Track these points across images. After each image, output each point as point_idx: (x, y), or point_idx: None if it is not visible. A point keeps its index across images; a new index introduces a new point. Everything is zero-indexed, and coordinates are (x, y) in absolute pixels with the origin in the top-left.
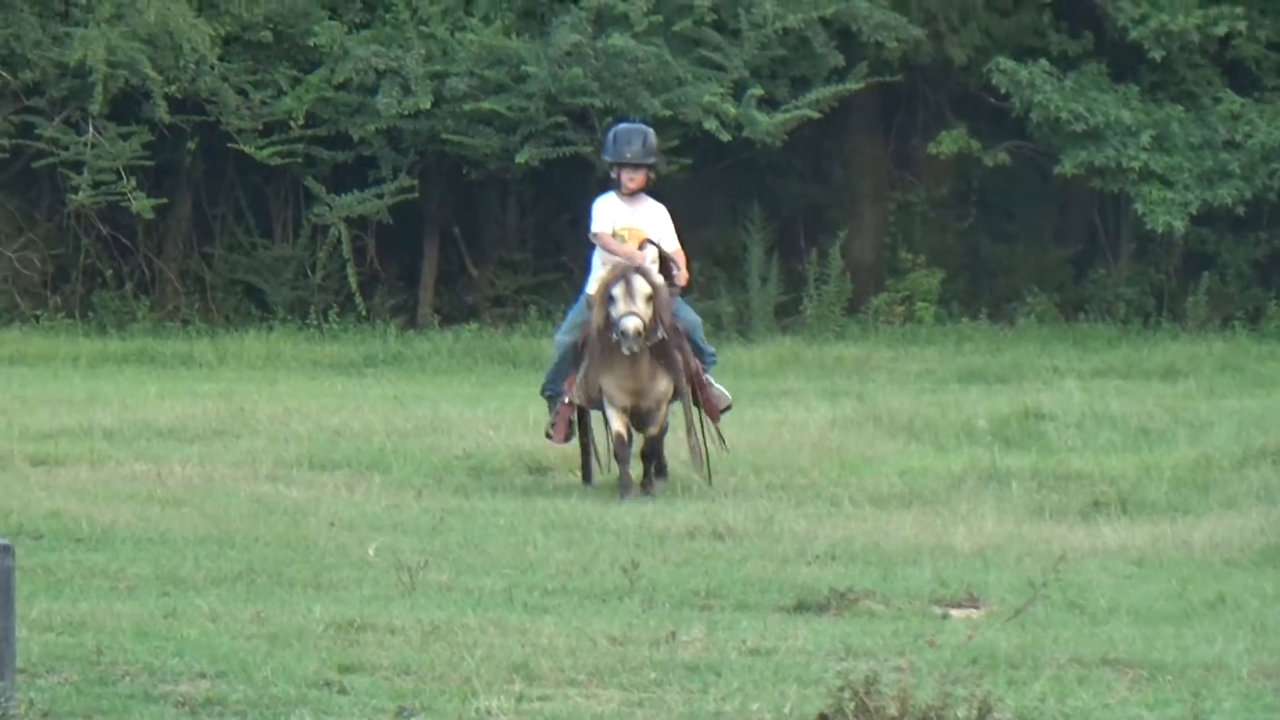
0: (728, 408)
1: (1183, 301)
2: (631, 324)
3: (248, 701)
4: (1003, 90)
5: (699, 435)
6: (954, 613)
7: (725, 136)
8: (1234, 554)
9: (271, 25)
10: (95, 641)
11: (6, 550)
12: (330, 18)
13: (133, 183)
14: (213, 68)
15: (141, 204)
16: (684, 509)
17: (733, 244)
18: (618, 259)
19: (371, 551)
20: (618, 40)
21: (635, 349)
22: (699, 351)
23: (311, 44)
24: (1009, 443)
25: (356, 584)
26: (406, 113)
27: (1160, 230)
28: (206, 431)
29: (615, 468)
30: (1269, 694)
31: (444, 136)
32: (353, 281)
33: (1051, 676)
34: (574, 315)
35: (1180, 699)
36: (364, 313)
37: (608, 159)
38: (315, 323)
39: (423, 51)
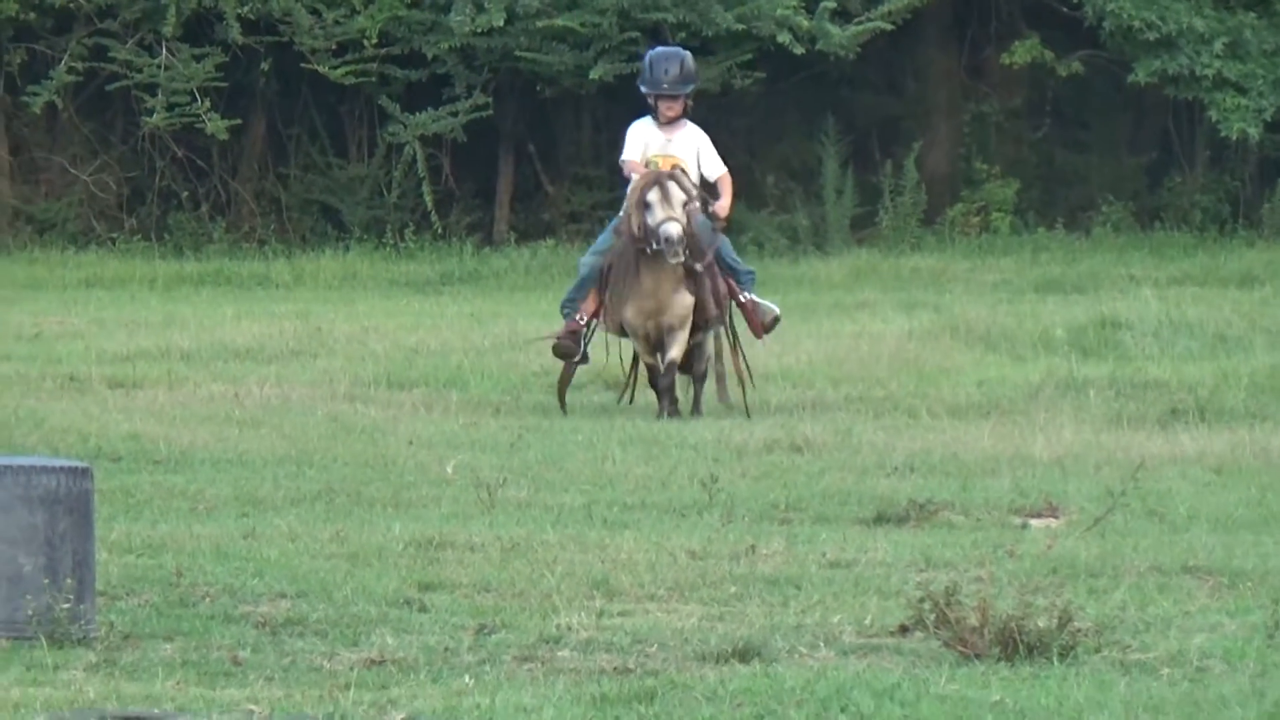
0: (776, 319)
1: (1258, 208)
2: (674, 229)
3: (328, 621)
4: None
5: (735, 363)
6: (1033, 522)
7: (799, 50)
8: None
9: None
10: (175, 563)
11: (85, 473)
12: None
13: (207, 104)
14: None
15: (216, 125)
16: (762, 423)
17: (808, 157)
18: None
19: (450, 469)
20: None
21: (681, 254)
22: (733, 270)
23: None
24: (1086, 352)
25: (435, 502)
26: (480, 30)
27: (1235, 137)
28: (284, 352)
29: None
30: None
31: (517, 53)
32: (428, 200)
33: (1131, 585)
34: (603, 240)
35: (1260, 605)
36: (440, 231)
37: (643, 88)
38: (391, 241)
39: None
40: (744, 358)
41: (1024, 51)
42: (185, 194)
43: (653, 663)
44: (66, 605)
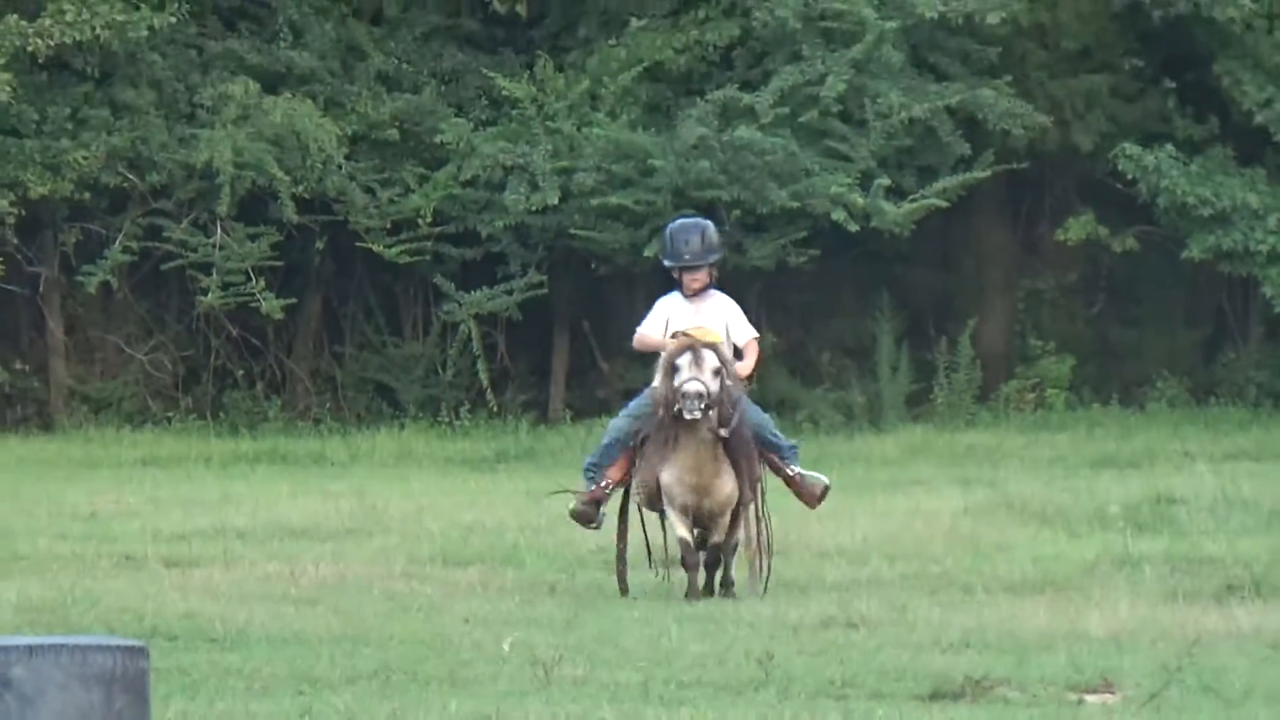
0: (826, 489)
1: None
2: (694, 387)
3: None
4: (1129, 176)
5: (758, 544)
6: (1089, 699)
7: (853, 227)
8: None
9: (398, 124)
10: None
11: (141, 651)
12: (456, 115)
13: (261, 283)
14: (340, 167)
15: (271, 304)
16: (817, 599)
17: (863, 334)
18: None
19: (506, 646)
20: (744, 133)
21: (699, 412)
22: (776, 447)
23: (438, 141)
24: (1141, 527)
25: (492, 679)
26: (534, 209)
27: None
28: (339, 530)
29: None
30: None
31: (572, 232)
32: (484, 378)
33: None
34: (636, 404)
35: None
36: (495, 409)
37: (666, 261)
38: (447, 419)
39: (549, 147)
40: (769, 536)
41: (1078, 228)
42: (240, 373)
43: None
44: None
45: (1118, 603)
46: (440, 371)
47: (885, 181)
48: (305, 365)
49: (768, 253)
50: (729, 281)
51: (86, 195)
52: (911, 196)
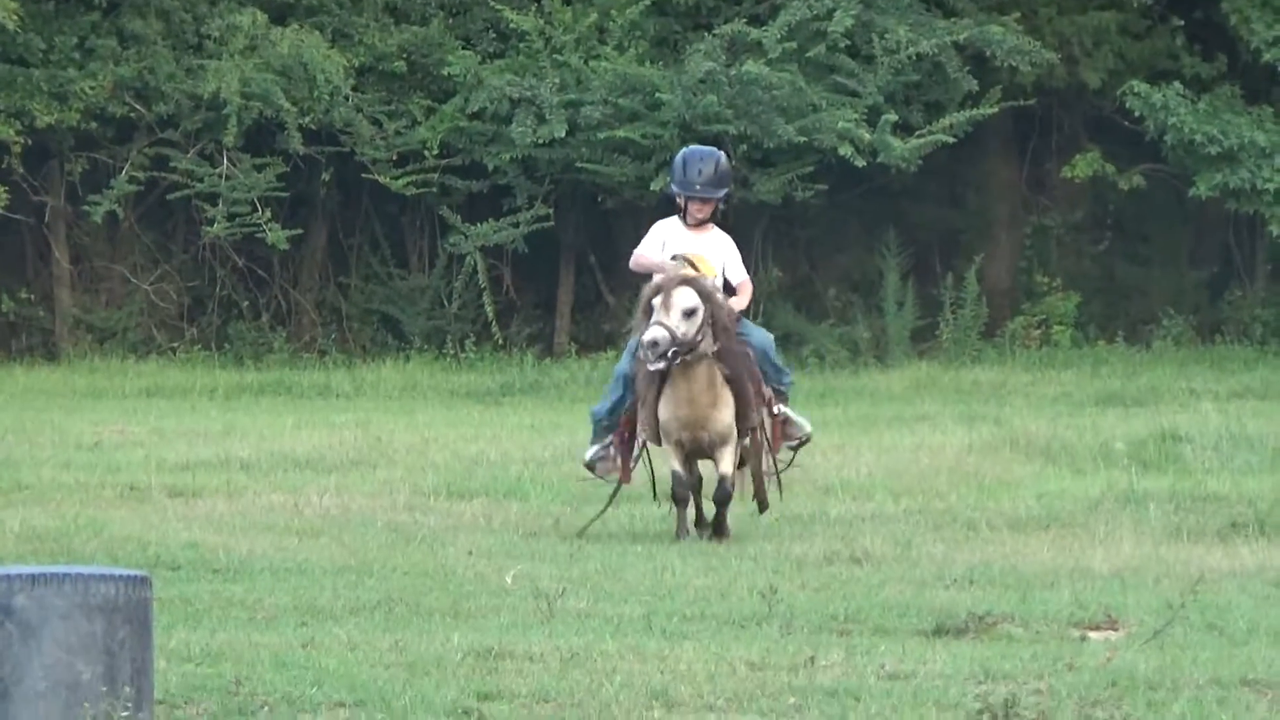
0: (806, 439)
1: None
2: (650, 334)
3: None
4: (1137, 114)
5: (763, 471)
6: (1092, 635)
7: (860, 162)
8: None
9: (405, 55)
10: (234, 672)
11: (144, 581)
12: (464, 47)
13: (267, 214)
14: (347, 99)
15: (276, 235)
16: (821, 534)
17: (868, 269)
18: (665, 273)
19: (510, 579)
20: (752, 67)
21: (652, 363)
22: (776, 374)
23: (445, 74)
24: (1146, 465)
25: (495, 612)
26: (541, 141)
27: None
28: (344, 462)
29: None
30: None
31: (579, 165)
32: (489, 310)
33: (1190, 698)
34: (633, 342)
35: None
36: (500, 342)
37: (673, 188)
38: (452, 352)
39: (557, 80)
40: (775, 461)
41: (1085, 165)
42: (246, 304)
43: None
44: (125, 713)
45: (1122, 540)
46: (446, 304)
47: (892, 117)
48: (310, 297)
49: (774, 187)
50: (736, 216)
51: (93, 125)
52: (918, 132)
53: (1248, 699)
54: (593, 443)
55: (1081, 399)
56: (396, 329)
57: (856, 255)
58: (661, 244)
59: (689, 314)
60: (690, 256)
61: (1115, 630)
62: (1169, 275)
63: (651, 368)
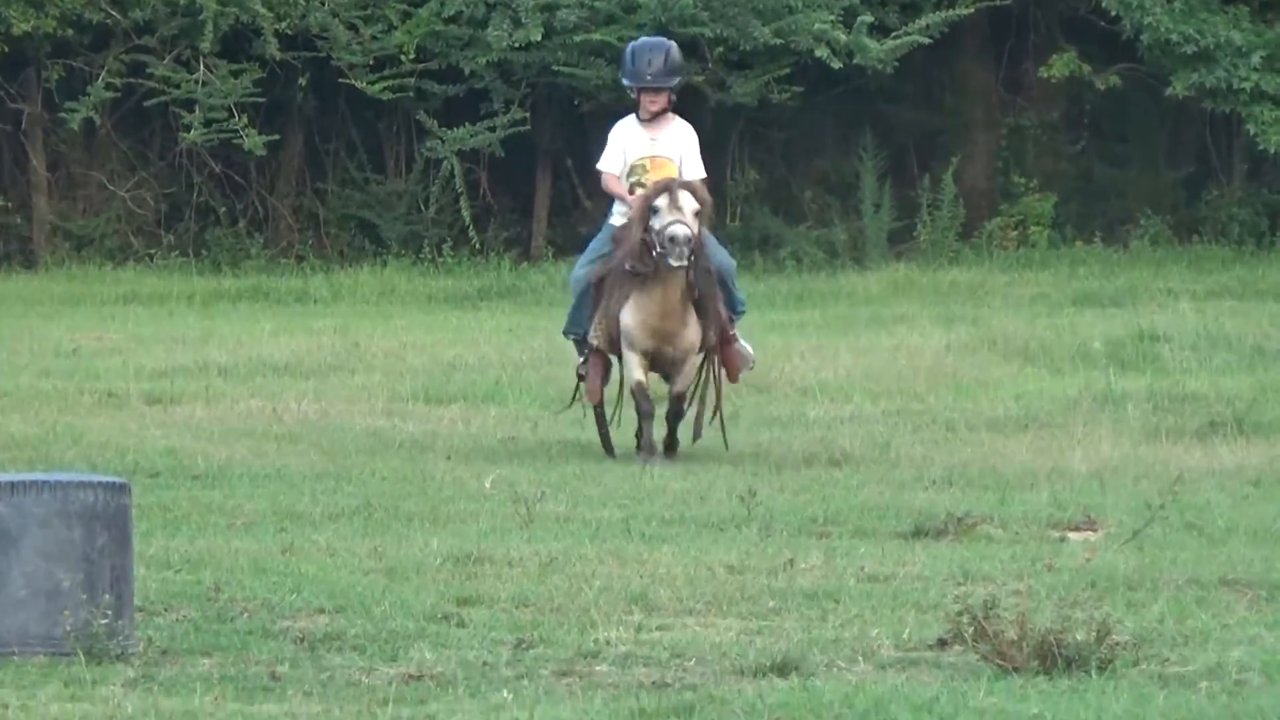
0: (751, 366)
1: None
2: (681, 230)
3: (366, 636)
4: (1113, 13)
5: (712, 399)
6: (1071, 535)
7: (836, 64)
8: None
9: None
10: (213, 578)
11: (123, 488)
12: None
13: (244, 120)
14: (323, 3)
15: (253, 141)
16: (800, 436)
17: (845, 171)
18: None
19: (488, 484)
20: None
21: (687, 258)
22: (730, 298)
23: None
24: (1124, 365)
25: (474, 517)
26: (517, 45)
27: (1272, 150)
28: (322, 367)
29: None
30: None
31: (555, 68)
32: (466, 215)
33: (1170, 598)
34: (595, 248)
35: None
36: (478, 246)
37: (625, 81)
38: (429, 257)
39: None
40: (720, 386)
41: (1061, 65)
42: (223, 210)
43: (691, 677)
44: (105, 621)
45: (1100, 440)
46: (423, 208)
47: (868, 18)
48: (288, 202)
49: (750, 90)
50: (712, 118)
51: (69, 32)
52: (895, 33)
53: (1227, 598)
54: (579, 354)
55: (1059, 299)
56: (374, 234)
57: (833, 157)
58: (623, 151)
59: (696, 215)
60: (651, 161)
61: (1094, 530)
62: (1146, 175)
63: (676, 264)
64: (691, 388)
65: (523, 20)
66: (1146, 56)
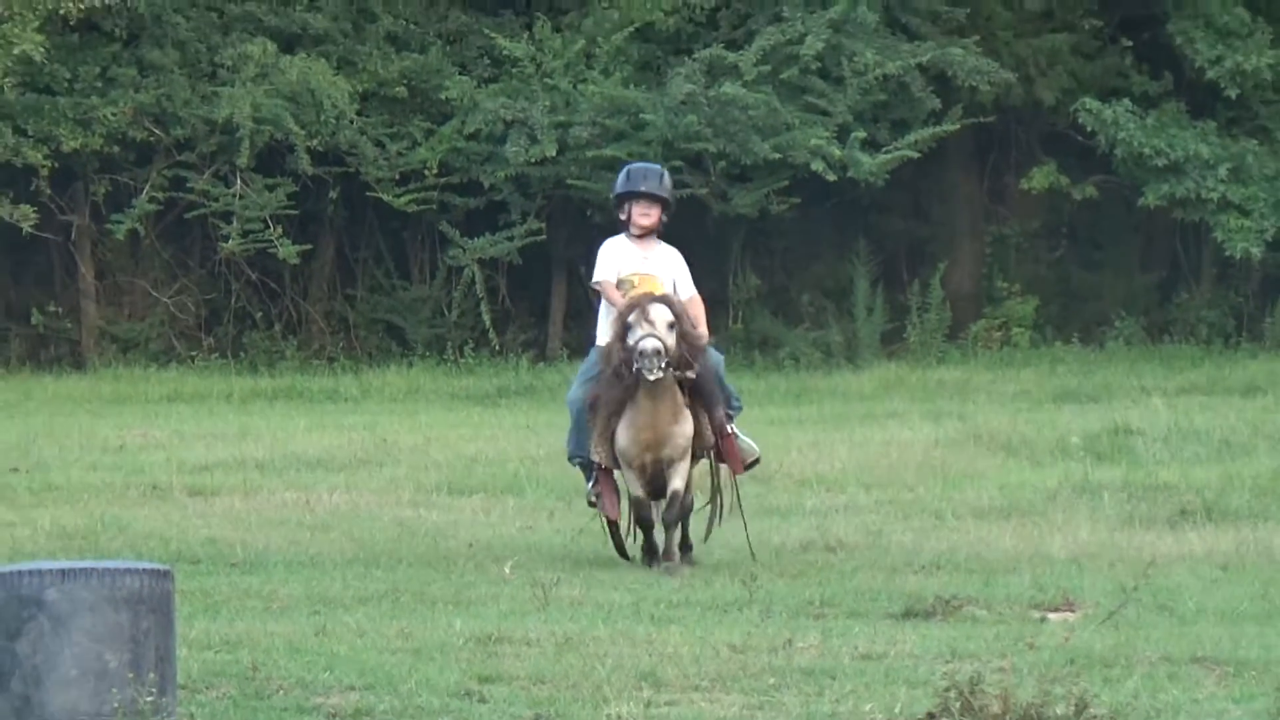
0: (755, 462)
1: (1261, 322)
2: (651, 344)
3: (394, 711)
4: (1089, 129)
5: (724, 495)
6: (1051, 616)
7: (831, 177)
8: None
9: (406, 81)
10: (251, 658)
11: (166, 575)
12: (460, 73)
13: (279, 231)
14: (351, 122)
15: (287, 250)
16: (798, 524)
17: (840, 277)
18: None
19: (508, 570)
20: (729, 89)
21: (659, 370)
22: (724, 395)
23: (443, 98)
24: (1100, 457)
25: (494, 600)
26: (533, 160)
27: (1239, 256)
28: (352, 461)
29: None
30: None
31: (569, 182)
32: (486, 318)
33: (1144, 674)
34: (586, 369)
35: (1265, 693)
36: (497, 347)
37: (617, 194)
38: (452, 357)
39: (547, 103)
40: (736, 488)
41: (1042, 177)
42: (259, 314)
43: None
44: (150, 698)
45: (1078, 527)
46: (446, 313)
47: (861, 134)
48: (320, 307)
49: (751, 201)
50: (716, 228)
51: (115, 149)
52: (885, 148)
53: (1197, 675)
54: (588, 480)
55: (1040, 396)
56: (400, 337)
57: (829, 264)
58: (615, 265)
59: (670, 327)
60: (636, 279)
61: (1072, 612)
62: (1121, 279)
63: (652, 377)
64: (696, 490)
65: (538, 137)
66: (1120, 169)
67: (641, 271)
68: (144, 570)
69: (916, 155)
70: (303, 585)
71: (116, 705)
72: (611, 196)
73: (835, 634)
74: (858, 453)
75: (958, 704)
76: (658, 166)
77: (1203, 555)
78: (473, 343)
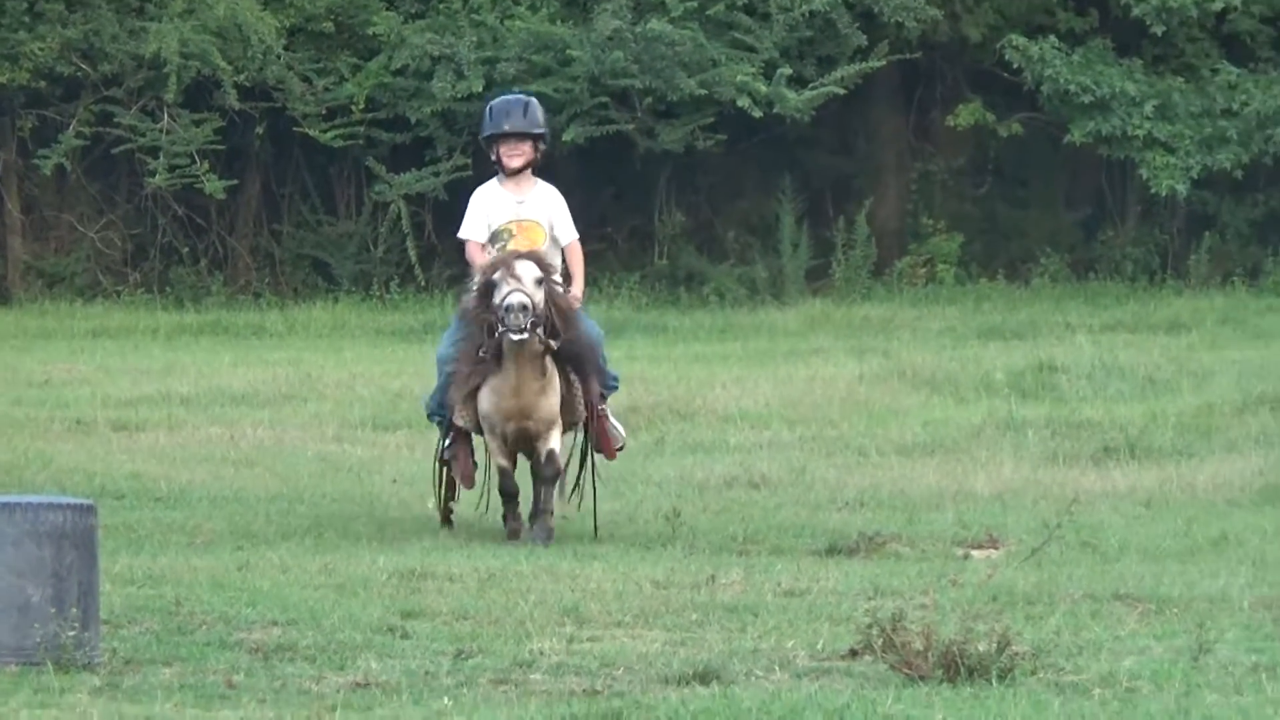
0: (622, 448)
1: (1186, 260)
2: (517, 298)
3: (317, 647)
4: (1015, 65)
5: (587, 472)
6: (975, 553)
7: (757, 113)
8: (1235, 494)
9: (333, 16)
10: (174, 593)
11: (90, 509)
12: (388, 8)
13: (205, 166)
14: (279, 57)
15: (214, 185)
16: (722, 460)
17: (766, 213)
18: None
19: (430, 505)
20: (656, 25)
21: (524, 329)
22: (599, 372)
23: (370, 33)
24: (1025, 394)
25: (417, 535)
26: (460, 96)
27: (1164, 194)
28: (276, 396)
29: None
30: (1269, 624)
31: None
32: (412, 254)
33: (1066, 611)
34: (458, 325)
35: (1186, 630)
36: (423, 283)
37: (483, 135)
38: (378, 293)
39: (474, 38)
40: (594, 466)
41: (967, 114)
42: (185, 250)
43: (619, 685)
44: (72, 633)
45: (1002, 464)
46: (372, 248)
47: (787, 70)
48: (246, 243)
49: (677, 137)
50: (642, 164)
51: (42, 84)
52: (812, 85)
53: (1119, 611)
54: (443, 438)
55: (964, 333)
56: (326, 272)
57: (754, 200)
58: (485, 216)
59: (538, 283)
60: (518, 225)
61: (996, 549)
62: (1046, 217)
63: (517, 337)
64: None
65: (465, 73)
66: (1047, 106)
67: (519, 218)
68: (68, 505)
69: (842, 92)
70: (226, 520)
71: (39, 640)
72: (482, 139)
73: (758, 570)
74: (782, 389)
75: (880, 641)
76: (522, 98)
77: (1126, 492)
78: (398, 278)
